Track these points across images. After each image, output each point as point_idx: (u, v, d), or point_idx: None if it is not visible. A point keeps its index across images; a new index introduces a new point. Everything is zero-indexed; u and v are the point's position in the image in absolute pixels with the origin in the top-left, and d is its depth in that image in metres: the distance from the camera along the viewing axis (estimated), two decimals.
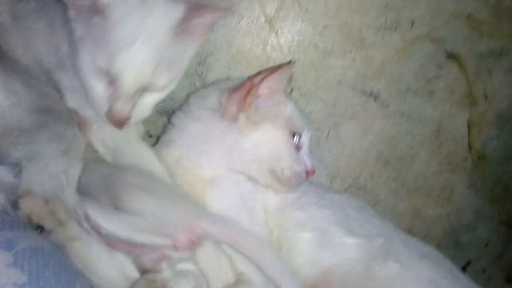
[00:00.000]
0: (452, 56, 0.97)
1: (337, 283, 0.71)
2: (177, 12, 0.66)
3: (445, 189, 1.06)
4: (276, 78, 0.75)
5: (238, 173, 0.77)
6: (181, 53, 0.69)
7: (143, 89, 0.66)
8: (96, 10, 0.62)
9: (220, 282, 0.68)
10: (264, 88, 0.75)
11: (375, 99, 0.99)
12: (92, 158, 0.72)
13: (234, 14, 0.69)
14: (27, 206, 0.59)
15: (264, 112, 0.76)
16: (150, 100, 0.69)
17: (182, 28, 0.66)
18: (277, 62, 0.96)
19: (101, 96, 0.65)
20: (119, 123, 0.66)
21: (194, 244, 0.64)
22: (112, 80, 0.64)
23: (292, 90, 0.98)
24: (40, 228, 0.59)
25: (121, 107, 0.65)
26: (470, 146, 1.04)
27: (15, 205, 0.59)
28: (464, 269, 1.09)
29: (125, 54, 0.62)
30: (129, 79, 0.63)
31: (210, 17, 0.68)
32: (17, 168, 0.61)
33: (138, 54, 0.63)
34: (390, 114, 1.00)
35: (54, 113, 0.67)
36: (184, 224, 0.63)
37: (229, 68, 0.95)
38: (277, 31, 0.95)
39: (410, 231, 1.01)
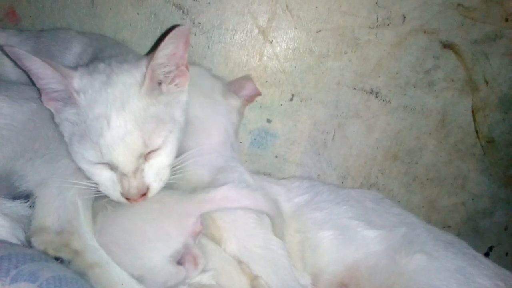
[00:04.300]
0: (447, 46, 0.98)
1: (363, 278, 0.70)
2: (138, 70, 0.65)
3: (457, 177, 1.06)
4: None
5: None
6: (168, 103, 0.67)
7: (145, 157, 0.64)
8: (70, 99, 0.62)
9: None
10: None
11: (376, 96, 0.99)
12: None
13: (184, 34, 0.65)
14: (40, 243, 0.59)
15: None
16: (160, 163, 0.66)
17: (150, 81, 0.64)
18: (275, 71, 0.97)
19: (110, 183, 0.64)
20: (138, 200, 0.64)
21: (200, 230, 0.67)
22: (110, 165, 0.63)
23: (293, 96, 0.99)
24: (59, 259, 0.59)
25: (130, 186, 0.63)
26: (477, 132, 1.04)
27: (28, 243, 0.59)
28: (487, 255, 1.07)
29: (106, 136, 0.61)
30: (122, 157, 0.61)
31: (167, 53, 0.65)
32: (31, 199, 0.61)
33: (118, 129, 0.61)
34: (393, 109, 1.00)
35: None
36: (182, 230, 0.65)
37: None
38: (272, 41, 0.96)
39: (428, 223, 0.99)
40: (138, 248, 0.63)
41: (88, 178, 0.64)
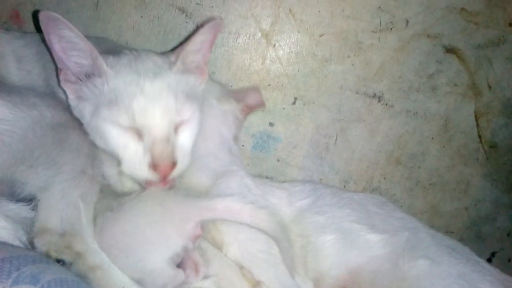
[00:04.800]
0: (450, 50, 0.98)
1: (365, 282, 0.70)
2: (166, 56, 0.69)
3: (460, 182, 1.05)
4: None
5: None
6: (193, 87, 0.70)
7: (175, 128, 0.66)
8: (96, 73, 0.64)
9: None
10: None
11: (379, 100, 0.99)
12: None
13: (218, 27, 0.71)
14: (43, 244, 0.59)
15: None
16: (186, 138, 0.67)
17: (181, 64, 0.67)
18: (277, 75, 0.97)
19: (137, 155, 0.64)
20: (166, 172, 0.64)
21: (199, 234, 0.66)
22: (140, 132, 0.63)
23: (295, 99, 0.99)
24: (61, 261, 0.59)
25: (162, 150, 0.63)
26: (480, 137, 1.04)
27: (31, 244, 0.59)
28: (489, 261, 1.07)
29: (139, 100, 0.62)
30: (157, 119, 0.63)
31: (202, 40, 0.69)
32: (33, 202, 0.61)
33: (152, 94, 0.63)
34: (395, 114, 1.00)
35: (69, 124, 0.66)
36: (182, 233, 0.65)
37: (231, 86, 0.96)
38: (275, 44, 0.96)
39: (430, 228, 0.99)
40: (139, 250, 0.63)
41: (95, 182, 0.65)
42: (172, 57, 0.69)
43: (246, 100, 0.87)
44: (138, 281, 0.62)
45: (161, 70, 0.66)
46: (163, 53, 0.72)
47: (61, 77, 0.66)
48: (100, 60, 0.63)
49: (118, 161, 0.66)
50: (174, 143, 0.65)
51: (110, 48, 0.73)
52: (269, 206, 0.76)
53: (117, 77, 0.63)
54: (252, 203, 0.68)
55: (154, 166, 0.63)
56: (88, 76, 0.64)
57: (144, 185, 0.67)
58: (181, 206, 0.67)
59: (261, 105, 0.90)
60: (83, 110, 0.65)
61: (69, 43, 0.62)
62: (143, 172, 0.64)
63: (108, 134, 0.64)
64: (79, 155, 0.64)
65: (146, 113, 0.62)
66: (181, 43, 0.73)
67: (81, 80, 0.65)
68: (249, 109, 0.89)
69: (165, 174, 0.64)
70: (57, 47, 0.63)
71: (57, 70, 0.68)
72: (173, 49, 0.75)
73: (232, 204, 0.67)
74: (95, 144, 0.67)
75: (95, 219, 0.65)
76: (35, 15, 0.64)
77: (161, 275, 0.62)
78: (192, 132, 0.69)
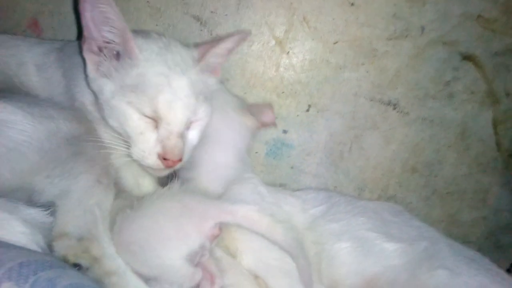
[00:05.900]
0: (467, 57, 0.97)
1: None
2: (191, 50, 0.72)
3: (478, 191, 1.04)
4: None
5: None
6: (209, 87, 0.73)
7: (188, 124, 0.69)
8: (123, 52, 0.65)
9: None
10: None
11: (394, 107, 0.99)
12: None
13: (245, 39, 0.77)
14: (61, 248, 0.60)
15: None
16: (195, 136, 0.71)
17: (206, 62, 0.70)
18: (291, 82, 0.97)
19: (149, 143, 0.66)
20: (172, 165, 0.67)
21: (217, 235, 0.67)
22: (158, 122, 0.66)
23: (309, 106, 0.98)
24: (77, 266, 0.60)
25: (175, 145, 0.66)
26: (498, 145, 1.02)
27: (50, 247, 0.60)
28: (508, 271, 1.04)
29: (166, 93, 0.64)
30: (177, 114, 0.66)
31: (227, 47, 0.73)
32: (51, 207, 0.61)
33: (178, 89, 0.66)
34: (411, 121, 0.99)
35: (83, 136, 0.67)
36: (201, 231, 0.65)
37: (245, 93, 0.97)
38: (288, 52, 0.96)
39: (448, 238, 0.97)
40: (158, 246, 0.63)
41: (109, 191, 0.66)
42: (195, 53, 0.71)
43: (261, 116, 0.88)
44: (155, 279, 0.62)
45: (187, 67, 0.68)
46: (186, 45, 0.73)
47: (85, 46, 0.67)
48: (132, 43, 0.65)
49: (126, 143, 0.68)
50: (185, 140, 0.68)
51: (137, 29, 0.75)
52: (282, 213, 0.76)
53: (147, 65, 0.65)
54: (272, 216, 0.68)
55: (163, 157, 0.66)
56: (115, 54, 0.66)
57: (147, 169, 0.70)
58: (201, 205, 0.68)
59: (273, 123, 0.91)
60: (103, 86, 0.66)
61: (105, 17, 0.63)
62: (151, 160, 0.67)
63: (128, 117, 0.65)
64: (94, 166, 0.66)
65: (169, 108, 0.65)
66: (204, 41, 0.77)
67: (104, 55, 0.66)
68: (262, 127, 0.90)
69: (170, 166, 0.67)
70: (88, 15, 0.64)
71: (80, 43, 0.69)
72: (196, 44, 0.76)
73: (252, 212, 0.67)
74: (109, 131, 0.69)
75: (113, 218, 0.65)
76: None
77: (178, 273, 0.63)
78: (201, 131, 0.72)
